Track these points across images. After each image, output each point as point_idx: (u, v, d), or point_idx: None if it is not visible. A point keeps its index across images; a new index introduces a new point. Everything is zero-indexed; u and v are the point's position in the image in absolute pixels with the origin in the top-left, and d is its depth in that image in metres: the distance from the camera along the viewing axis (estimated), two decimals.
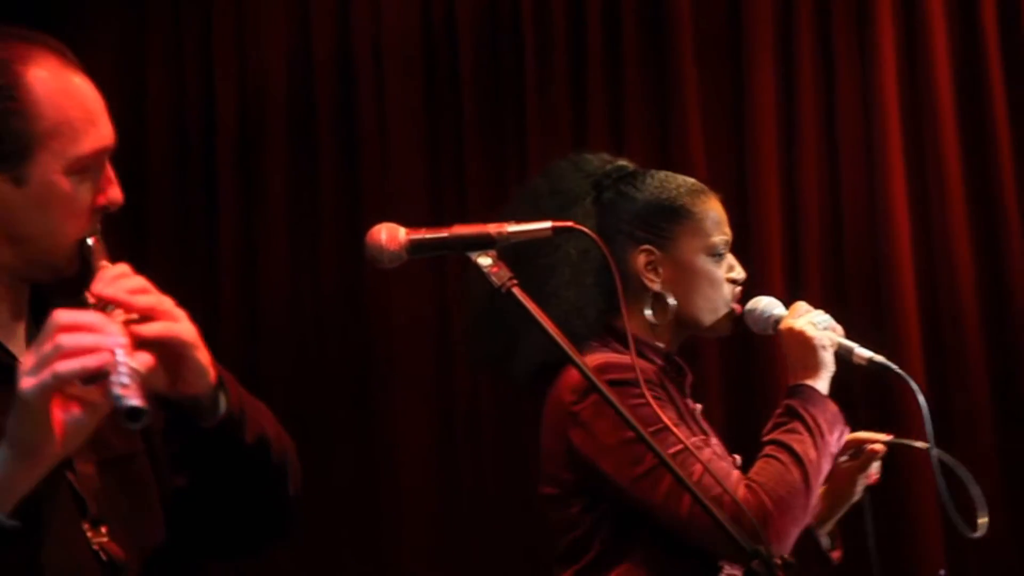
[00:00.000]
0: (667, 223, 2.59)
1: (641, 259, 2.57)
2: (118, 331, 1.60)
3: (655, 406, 2.19)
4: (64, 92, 1.80)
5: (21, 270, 1.82)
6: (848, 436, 2.58)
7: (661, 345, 2.58)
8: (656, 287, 2.57)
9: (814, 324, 2.55)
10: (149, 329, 1.65)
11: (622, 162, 2.71)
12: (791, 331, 2.55)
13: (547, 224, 2.03)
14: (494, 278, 1.94)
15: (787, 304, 2.66)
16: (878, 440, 2.63)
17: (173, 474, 1.88)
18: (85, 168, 1.80)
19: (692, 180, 2.67)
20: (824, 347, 2.52)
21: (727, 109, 4.90)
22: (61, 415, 1.57)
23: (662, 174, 2.67)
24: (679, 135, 4.87)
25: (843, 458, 2.62)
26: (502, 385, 4.91)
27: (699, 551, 2.41)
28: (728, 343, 4.62)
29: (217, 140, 5.03)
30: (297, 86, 5.13)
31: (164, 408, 1.77)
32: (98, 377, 1.56)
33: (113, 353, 1.56)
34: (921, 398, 2.57)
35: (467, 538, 4.88)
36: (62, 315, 1.59)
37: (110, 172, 1.86)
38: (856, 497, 2.66)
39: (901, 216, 4.64)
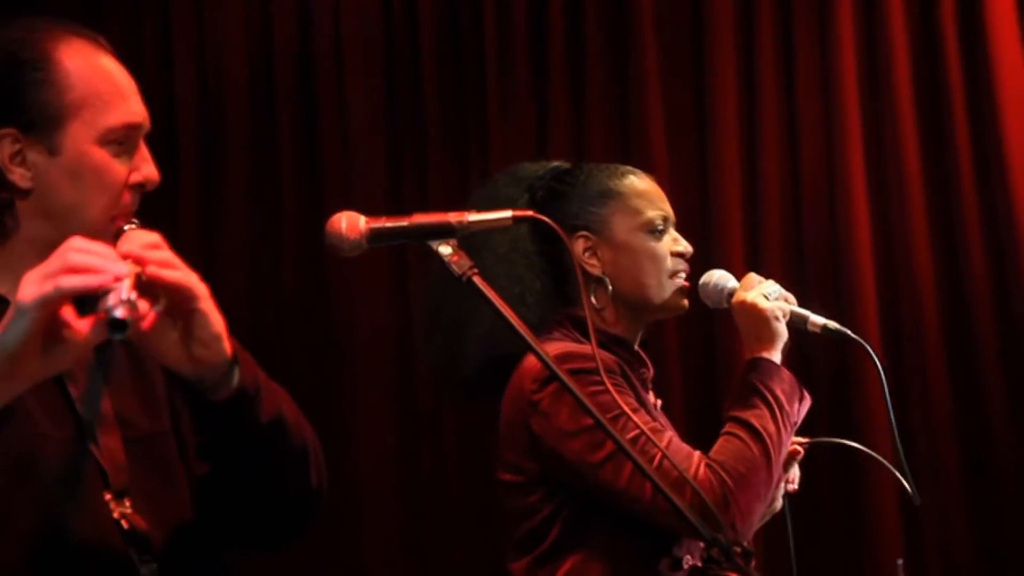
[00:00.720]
0: (598, 207, 2.60)
1: (579, 245, 2.57)
2: (126, 268, 1.61)
3: (614, 392, 2.20)
4: (93, 67, 1.85)
5: (55, 245, 1.81)
6: None
7: (618, 333, 2.58)
8: (597, 271, 2.57)
9: (766, 295, 2.55)
10: (166, 273, 1.66)
11: (556, 163, 2.72)
12: (743, 304, 2.55)
13: (507, 213, 2.02)
14: (455, 267, 1.93)
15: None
16: (796, 441, 2.63)
17: (197, 462, 1.89)
18: (117, 141, 1.84)
19: (621, 166, 2.69)
20: (777, 318, 2.53)
21: (688, 96, 4.91)
22: (50, 335, 1.58)
23: (590, 166, 2.69)
24: (640, 122, 4.88)
25: None
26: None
27: (659, 541, 2.42)
28: (691, 338, 4.64)
29: (177, 126, 4.99)
30: (258, 72, 5.10)
31: (186, 394, 1.78)
32: (96, 299, 1.57)
33: (116, 279, 1.58)
34: (877, 361, 2.58)
35: (428, 536, 4.88)
36: (75, 239, 1.62)
37: (145, 151, 1.89)
38: (777, 504, 2.63)
39: (859, 198, 4.67)
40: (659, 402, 2.64)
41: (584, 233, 2.58)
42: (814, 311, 2.66)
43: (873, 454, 2.65)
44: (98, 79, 1.84)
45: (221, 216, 5.00)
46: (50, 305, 1.57)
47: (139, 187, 1.88)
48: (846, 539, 4.65)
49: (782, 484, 2.62)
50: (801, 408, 2.51)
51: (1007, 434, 4.57)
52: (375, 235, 1.96)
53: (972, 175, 4.62)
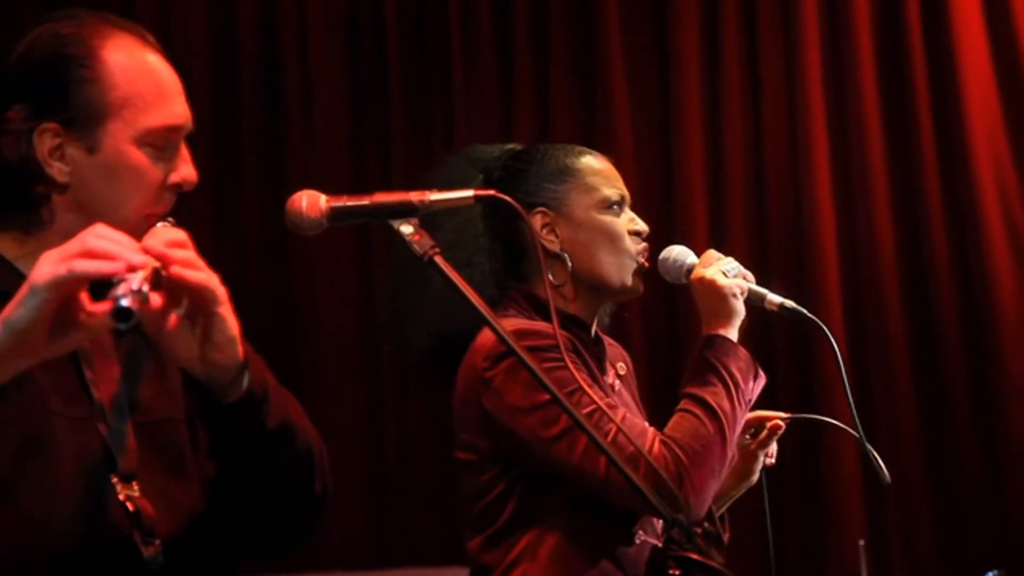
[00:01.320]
0: (555, 184, 2.58)
1: (537, 221, 2.55)
2: (143, 259, 1.62)
3: (572, 368, 2.19)
4: (137, 67, 1.85)
5: None
6: (748, 415, 2.60)
7: (575, 312, 2.57)
8: (556, 247, 2.55)
9: (724, 272, 2.54)
10: (188, 273, 1.68)
11: (511, 146, 2.71)
12: (702, 280, 2.54)
13: (469, 192, 2.01)
14: (416, 246, 1.92)
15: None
16: (778, 417, 2.63)
17: (207, 459, 1.89)
18: (157, 143, 1.85)
19: (577, 146, 2.68)
20: (735, 295, 2.53)
21: (653, 79, 4.92)
22: (62, 316, 1.59)
23: (547, 145, 2.68)
24: (605, 105, 4.88)
25: (745, 437, 2.62)
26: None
27: (613, 517, 2.41)
28: (653, 314, 4.65)
29: None
30: (220, 51, 5.07)
31: (196, 394, 1.79)
32: (107, 287, 1.57)
33: (131, 269, 1.59)
34: (833, 340, 2.59)
35: (392, 515, 4.88)
36: (98, 226, 1.63)
37: (185, 152, 1.90)
38: (754, 478, 2.65)
39: (823, 180, 4.71)
40: (616, 383, 2.63)
41: (542, 209, 2.57)
42: (777, 291, 2.66)
43: (851, 430, 2.65)
44: (142, 78, 1.85)
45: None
46: (62, 287, 1.58)
47: (176, 187, 1.89)
48: (808, 521, 4.67)
49: (761, 458, 2.64)
50: (756, 386, 2.51)
51: (968, 412, 4.61)
52: (336, 214, 1.94)
53: (935, 159, 4.67)
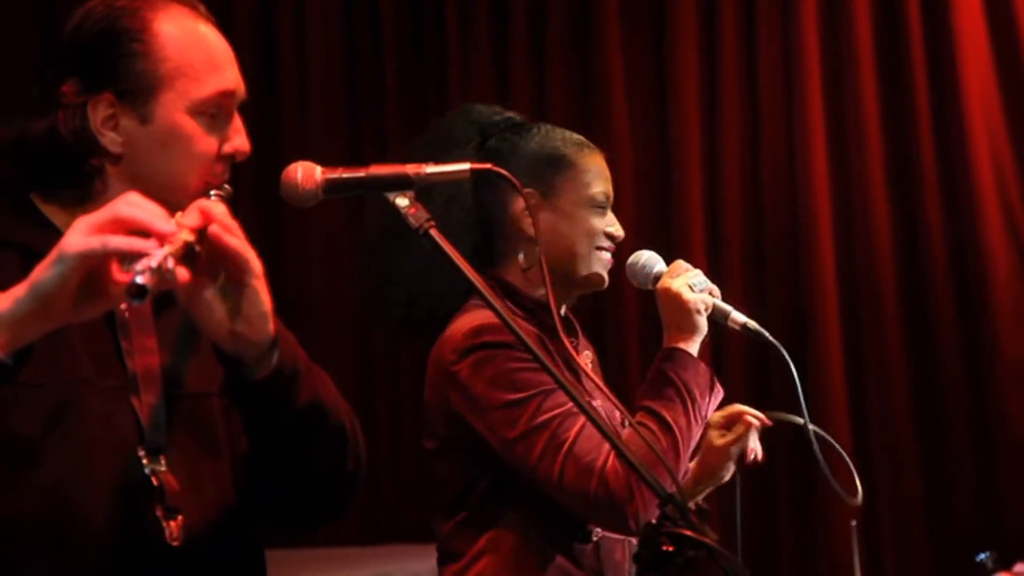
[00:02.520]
0: (550, 172, 2.57)
1: (520, 203, 2.55)
2: (174, 232, 1.62)
3: (549, 364, 2.18)
4: (189, 37, 1.86)
5: None
6: (727, 409, 2.59)
7: (541, 297, 2.56)
8: (532, 232, 2.53)
9: (691, 286, 2.53)
10: (228, 237, 1.68)
11: (510, 114, 2.68)
12: (668, 291, 2.53)
13: (465, 166, 1.99)
14: (411, 219, 1.90)
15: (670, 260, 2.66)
16: (752, 413, 2.62)
17: (240, 434, 1.89)
18: (209, 112, 1.86)
19: (577, 135, 2.66)
20: (699, 310, 2.51)
21: (650, 66, 4.92)
22: (89, 283, 1.59)
23: (547, 127, 2.66)
24: (601, 90, 4.88)
25: (718, 432, 2.61)
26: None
27: (568, 515, 2.44)
28: (650, 312, 4.65)
29: None
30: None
31: (226, 369, 1.79)
32: (132, 257, 1.58)
33: (161, 243, 1.59)
34: (792, 366, 2.57)
35: (383, 493, 4.88)
36: (132, 194, 1.64)
37: (238, 122, 1.91)
38: (727, 474, 2.64)
39: (820, 171, 4.70)
40: (589, 355, 2.65)
41: (530, 191, 2.55)
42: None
43: (825, 437, 2.64)
44: (193, 49, 1.86)
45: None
46: (90, 259, 1.58)
47: (229, 157, 1.90)
48: (800, 502, 4.68)
49: (733, 456, 2.63)
50: (713, 401, 2.51)
51: (962, 397, 4.62)
52: (331, 185, 1.92)
53: (932, 149, 4.67)
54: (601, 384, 2.54)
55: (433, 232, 1.89)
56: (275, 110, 5.07)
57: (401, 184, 1.92)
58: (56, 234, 1.71)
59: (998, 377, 4.59)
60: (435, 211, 2.40)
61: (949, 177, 4.67)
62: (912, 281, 4.69)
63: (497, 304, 2.32)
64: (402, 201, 1.91)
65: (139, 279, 1.54)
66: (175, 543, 1.79)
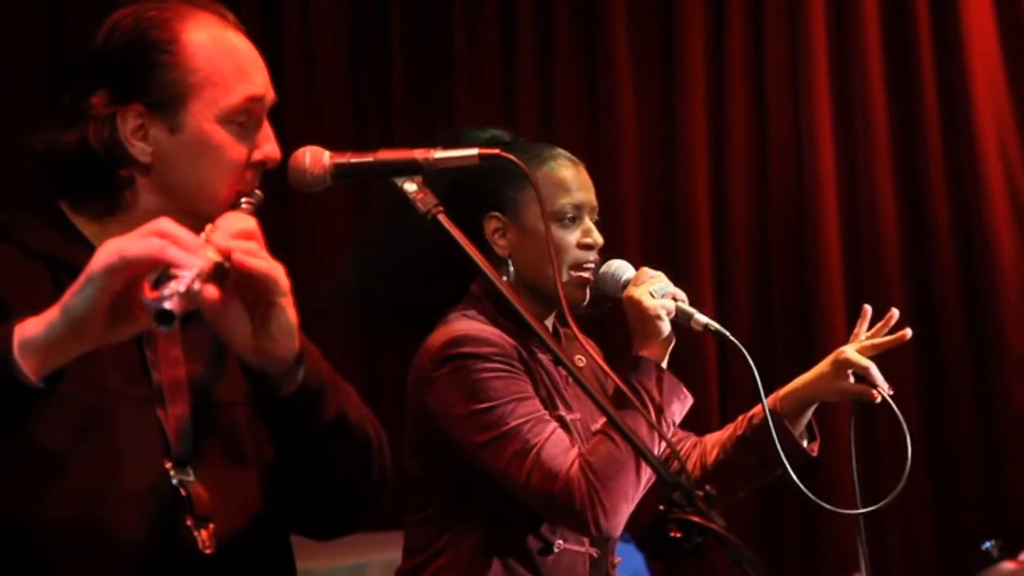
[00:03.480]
0: (513, 190, 2.59)
1: (490, 225, 2.59)
2: (204, 254, 1.61)
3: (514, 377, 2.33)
4: (218, 46, 1.87)
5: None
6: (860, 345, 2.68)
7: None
8: (504, 253, 2.59)
9: (652, 293, 2.54)
10: (252, 261, 1.67)
11: (497, 132, 2.68)
12: (630, 299, 2.55)
13: (473, 151, 2.00)
14: (420, 204, 1.91)
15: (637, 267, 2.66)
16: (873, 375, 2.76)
17: (266, 443, 1.90)
18: (239, 120, 1.86)
19: (552, 148, 2.67)
20: (660, 316, 2.52)
21: (657, 64, 4.91)
22: (119, 305, 1.59)
23: (518, 143, 2.66)
24: (608, 92, 4.86)
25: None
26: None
27: (532, 525, 2.52)
28: None
29: None
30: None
31: (252, 384, 1.79)
32: (161, 280, 1.58)
33: (185, 267, 1.58)
34: (752, 364, 2.57)
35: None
36: (163, 220, 1.62)
37: (268, 129, 1.91)
38: (836, 398, 2.77)
39: (828, 178, 4.70)
40: (581, 357, 2.67)
41: (495, 214, 2.59)
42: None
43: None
44: (222, 58, 1.86)
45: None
46: (117, 275, 1.57)
47: (260, 165, 1.90)
48: (808, 498, 4.67)
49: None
50: (682, 407, 2.54)
51: (967, 384, 4.62)
52: (339, 170, 1.94)
53: (940, 147, 4.68)
54: (593, 389, 2.55)
55: (441, 217, 1.90)
56: (280, 106, 5.06)
57: (409, 169, 1.93)
58: (86, 247, 1.72)
59: (1005, 370, 4.59)
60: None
61: (957, 173, 4.66)
62: (919, 276, 4.69)
63: (459, 326, 2.40)
64: (410, 186, 1.92)
65: (167, 304, 1.53)
66: (207, 551, 1.80)
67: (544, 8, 4.96)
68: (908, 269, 4.68)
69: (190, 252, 1.59)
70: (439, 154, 1.95)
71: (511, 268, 2.59)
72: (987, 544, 3.49)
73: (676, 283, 2.60)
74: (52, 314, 1.60)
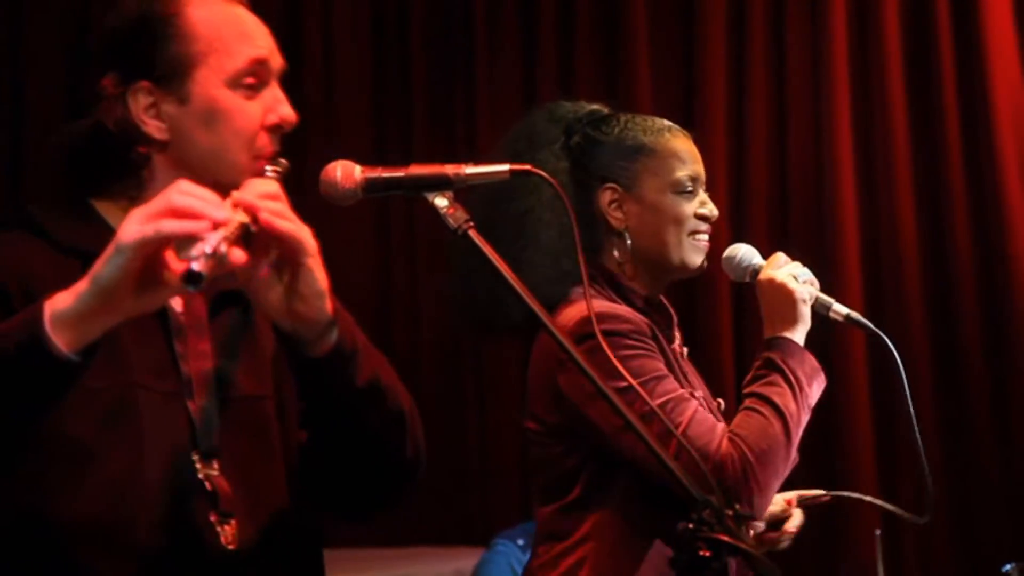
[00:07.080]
0: (629, 162, 2.58)
1: (606, 197, 2.57)
2: (226, 214, 1.62)
3: (654, 354, 2.23)
4: (219, 15, 1.88)
5: None
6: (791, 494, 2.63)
7: (636, 288, 2.57)
8: (620, 225, 2.56)
9: (795, 277, 2.53)
10: (278, 222, 1.67)
11: (595, 107, 2.69)
12: (772, 282, 2.54)
13: (504, 167, 1.99)
14: (450, 220, 1.90)
15: (766, 255, 2.66)
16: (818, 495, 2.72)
17: (296, 430, 1.90)
18: (245, 83, 1.87)
19: (659, 120, 2.67)
20: (804, 300, 2.53)
21: (678, 68, 4.92)
22: (147, 275, 1.60)
23: (628, 116, 2.67)
24: (628, 85, 4.87)
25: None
26: (443, 335, 4.92)
27: (678, 504, 2.41)
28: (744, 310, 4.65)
29: None
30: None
31: (287, 351, 1.79)
32: (189, 245, 1.58)
33: (215, 227, 1.59)
34: (895, 351, 2.58)
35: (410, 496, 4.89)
36: (183, 182, 1.64)
37: (279, 92, 1.92)
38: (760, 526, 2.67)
39: (847, 184, 4.70)
40: (685, 350, 2.65)
41: (612, 186, 2.58)
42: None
43: (865, 498, 2.67)
44: (224, 24, 1.88)
45: None
46: (147, 246, 1.58)
47: (276, 128, 1.90)
48: (823, 510, 4.65)
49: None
50: (817, 390, 2.51)
51: (986, 405, 4.60)
52: (370, 185, 1.92)
53: (960, 157, 4.66)
54: (693, 369, 2.55)
55: (472, 233, 1.89)
56: (301, 119, 5.08)
57: (441, 184, 1.92)
58: (106, 229, 1.71)
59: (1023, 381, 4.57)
60: (549, 208, 2.42)
61: (977, 183, 4.65)
62: (938, 287, 4.67)
63: (595, 304, 2.33)
64: (441, 201, 1.91)
65: (194, 265, 1.54)
66: (231, 547, 1.80)
67: (565, 16, 4.96)
68: (928, 284, 4.66)
69: (215, 217, 1.60)
70: (470, 169, 1.95)
71: (629, 242, 2.55)
72: (1007, 567, 3.46)
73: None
74: (81, 285, 1.61)
